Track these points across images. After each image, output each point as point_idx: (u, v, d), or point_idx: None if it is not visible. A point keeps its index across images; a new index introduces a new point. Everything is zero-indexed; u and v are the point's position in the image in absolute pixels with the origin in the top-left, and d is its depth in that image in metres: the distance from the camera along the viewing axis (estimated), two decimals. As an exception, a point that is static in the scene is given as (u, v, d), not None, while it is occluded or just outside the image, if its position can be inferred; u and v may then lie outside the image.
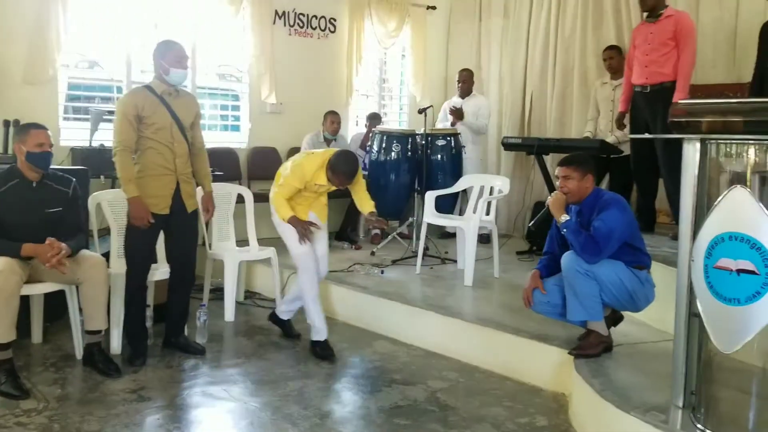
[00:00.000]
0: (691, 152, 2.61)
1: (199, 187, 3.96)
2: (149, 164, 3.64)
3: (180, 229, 3.80)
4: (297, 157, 4.05)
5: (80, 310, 3.67)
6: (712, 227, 2.45)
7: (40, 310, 3.94)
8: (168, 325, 3.97)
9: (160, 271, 4.00)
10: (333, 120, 6.41)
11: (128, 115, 3.56)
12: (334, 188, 4.03)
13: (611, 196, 3.43)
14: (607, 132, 5.87)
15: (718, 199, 2.43)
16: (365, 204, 4.16)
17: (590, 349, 3.41)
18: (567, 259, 3.35)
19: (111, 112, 5.53)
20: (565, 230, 3.30)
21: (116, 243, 4.15)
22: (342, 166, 3.86)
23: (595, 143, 5.54)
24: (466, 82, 6.64)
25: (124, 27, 5.77)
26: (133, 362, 3.67)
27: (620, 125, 5.30)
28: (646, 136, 4.50)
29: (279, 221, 3.95)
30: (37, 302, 3.90)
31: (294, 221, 3.87)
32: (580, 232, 3.26)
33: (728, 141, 2.51)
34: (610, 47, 5.98)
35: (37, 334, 3.97)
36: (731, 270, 2.37)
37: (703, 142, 2.57)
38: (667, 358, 3.39)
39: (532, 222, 3.57)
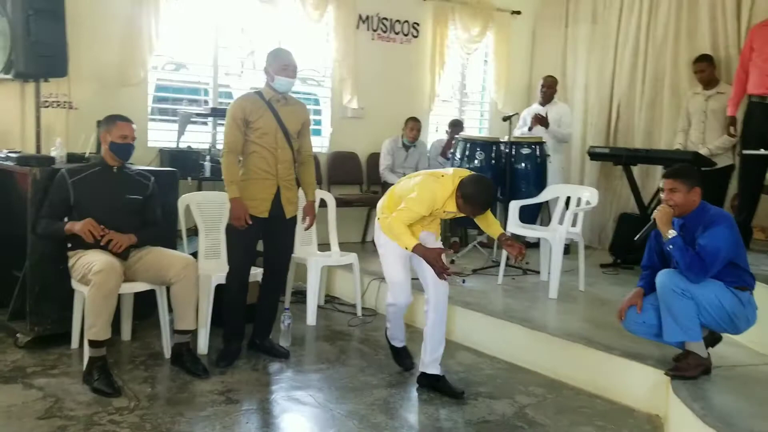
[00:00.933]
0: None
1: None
2: (252, 168, 3.70)
3: (277, 233, 3.84)
4: (422, 180, 3.43)
5: (170, 310, 3.73)
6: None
7: (129, 308, 4.03)
8: (256, 327, 3.99)
9: (257, 272, 4.03)
10: (413, 127, 6.40)
11: (236, 119, 3.64)
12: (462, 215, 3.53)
13: (718, 211, 3.27)
14: (699, 144, 5.62)
15: None
16: (493, 227, 3.63)
17: (688, 370, 3.25)
18: (662, 278, 3.21)
19: (199, 115, 5.68)
20: (671, 247, 3.15)
21: (204, 244, 4.21)
22: (480, 197, 3.35)
23: (688, 155, 5.31)
24: (551, 88, 6.51)
25: (211, 31, 5.90)
26: (219, 363, 3.71)
27: (730, 132, 5.00)
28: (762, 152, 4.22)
29: (385, 241, 3.49)
30: (128, 301, 3.99)
31: (422, 251, 3.30)
32: (687, 250, 3.12)
33: None
34: (701, 59, 5.70)
35: (126, 332, 4.06)
36: None
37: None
38: (771, 383, 3.23)
39: (638, 236, 3.39)
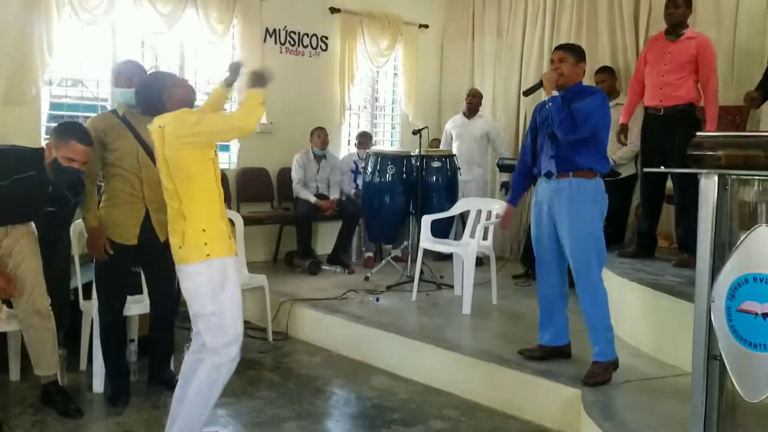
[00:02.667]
0: (709, 187, 2.48)
1: None
2: (115, 192, 3.44)
3: (154, 260, 3.55)
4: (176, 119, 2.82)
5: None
6: (734, 267, 2.31)
7: (17, 345, 3.73)
8: (152, 360, 3.77)
9: (143, 304, 3.80)
10: (320, 134, 6.31)
11: None
12: None
13: (594, 87, 3.67)
14: (602, 154, 5.75)
15: (742, 238, 2.29)
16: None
17: (601, 375, 3.40)
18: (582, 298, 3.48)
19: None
20: (550, 104, 3.41)
21: (99, 274, 3.95)
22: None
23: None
24: (476, 97, 6.61)
25: (110, 45, 5.62)
26: (116, 402, 3.48)
27: (620, 139, 5.04)
28: (662, 170, 4.34)
29: (225, 278, 2.79)
30: (15, 338, 3.70)
31: (256, 75, 2.91)
32: (562, 109, 3.38)
33: (750, 177, 2.38)
34: (601, 70, 5.86)
35: (14, 371, 3.77)
36: (757, 314, 2.24)
37: (722, 176, 2.44)
38: (677, 395, 3.28)
39: (526, 89, 3.76)
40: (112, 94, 5.61)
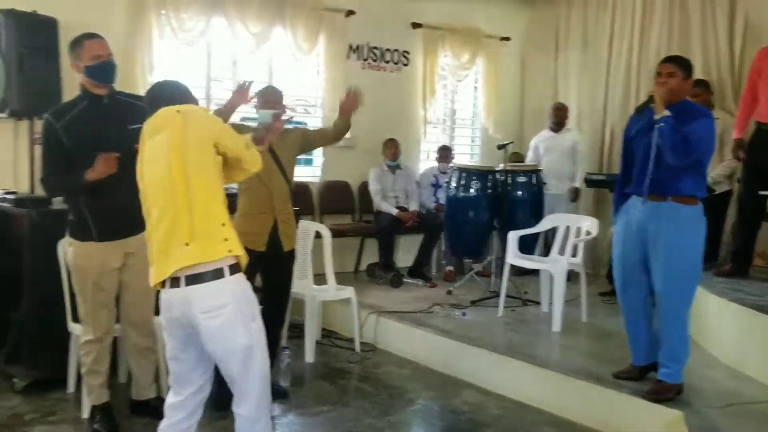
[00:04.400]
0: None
1: None
2: (247, 203, 3.62)
3: (275, 267, 3.71)
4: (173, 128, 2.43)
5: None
6: None
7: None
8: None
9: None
10: (390, 145, 6.43)
11: None
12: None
13: (702, 108, 3.46)
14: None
15: None
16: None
17: (665, 393, 3.37)
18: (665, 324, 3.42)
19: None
20: (662, 124, 3.17)
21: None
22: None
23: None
24: (563, 110, 6.61)
25: (204, 63, 5.86)
26: (222, 407, 3.58)
27: (738, 155, 4.79)
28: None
29: (233, 296, 2.28)
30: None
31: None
32: (676, 131, 3.16)
33: None
34: (696, 84, 5.70)
35: (123, 373, 3.91)
36: None
37: None
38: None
39: (636, 108, 3.48)
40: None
